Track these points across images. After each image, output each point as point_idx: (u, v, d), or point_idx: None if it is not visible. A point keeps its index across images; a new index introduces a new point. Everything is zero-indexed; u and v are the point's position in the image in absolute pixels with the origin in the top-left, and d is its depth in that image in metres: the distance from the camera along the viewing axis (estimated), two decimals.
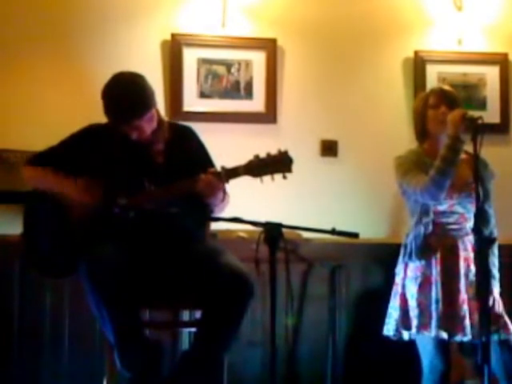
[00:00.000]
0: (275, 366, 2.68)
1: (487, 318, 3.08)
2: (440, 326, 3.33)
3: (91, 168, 3.16)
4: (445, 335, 3.34)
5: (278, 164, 2.92)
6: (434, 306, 3.36)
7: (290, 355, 4.05)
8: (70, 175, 3.17)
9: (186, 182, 3.05)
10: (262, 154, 2.95)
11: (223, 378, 3.18)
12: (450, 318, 3.33)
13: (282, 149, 2.96)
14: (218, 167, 3.07)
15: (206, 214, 3.16)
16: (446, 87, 3.66)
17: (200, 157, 3.27)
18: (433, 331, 3.34)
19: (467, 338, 3.34)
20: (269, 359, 2.70)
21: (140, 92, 3.08)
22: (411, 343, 3.50)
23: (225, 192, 3.15)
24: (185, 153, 3.23)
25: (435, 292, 3.37)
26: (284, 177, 2.91)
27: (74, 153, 3.22)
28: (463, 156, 3.41)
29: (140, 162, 3.18)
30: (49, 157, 3.26)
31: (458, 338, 3.35)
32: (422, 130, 3.55)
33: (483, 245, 3.19)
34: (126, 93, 3.05)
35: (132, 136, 3.11)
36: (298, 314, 4.09)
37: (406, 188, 3.49)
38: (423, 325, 3.37)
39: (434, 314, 3.35)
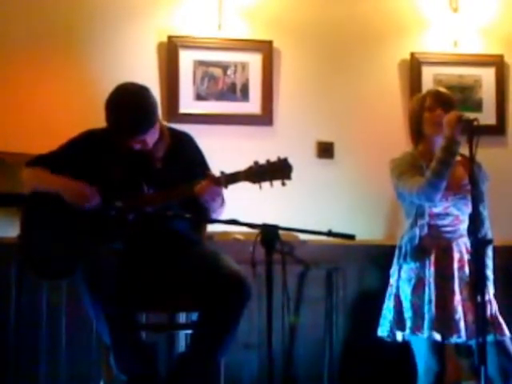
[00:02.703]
0: (272, 367, 2.68)
1: (483, 320, 3.09)
2: (433, 328, 3.34)
3: (90, 172, 3.16)
4: (438, 337, 3.35)
5: (277, 171, 2.93)
6: (426, 308, 3.37)
7: (286, 357, 4.05)
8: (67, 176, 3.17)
9: (184, 187, 3.05)
10: (262, 160, 2.95)
11: (220, 381, 3.18)
12: (443, 320, 3.34)
13: (279, 152, 2.97)
14: (215, 170, 3.07)
15: (202, 217, 3.16)
16: (443, 89, 3.67)
17: (197, 164, 3.26)
18: (425, 332, 3.35)
19: (461, 339, 3.35)
20: (266, 361, 2.70)
21: (145, 109, 3.05)
22: (406, 345, 3.50)
23: (222, 198, 3.15)
24: (183, 159, 3.23)
25: (428, 293, 3.38)
26: (283, 184, 2.93)
27: (73, 158, 3.21)
28: (458, 158, 3.42)
29: (139, 166, 3.17)
30: (48, 160, 3.26)
31: (453, 339, 3.36)
32: (418, 132, 3.56)
33: (479, 246, 3.20)
34: (131, 110, 3.02)
35: (135, 147, 3.12)
36: (295, 314, 4.09)
37: (402, 190, 3.50)
38: (417, 326, 3.37)
39: (427, 316, 3.36)
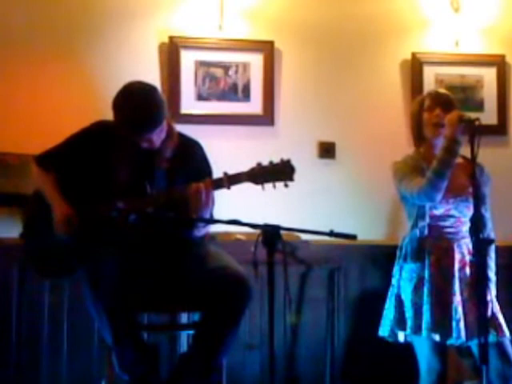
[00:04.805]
0: (274, 368, 2.68)
1: (485, 320, 3.09)
2: (431, 328, 3.33)
3: (96, 169, 3.16)
4: (437, 337, 3.35)
5: (280, 172, 2.94)
6: (425, 308, 3.37)
7: (288, 357, 4.05)
8: (68, 191, 3.18)
9: (185, 187, 3.05)
10: (263, 161, 2.96)
11: (222, 381, 3.18)
12: (442, 320, 3.34)
13: (281, 152, 2.99)
14: (217, 170, 3.08)
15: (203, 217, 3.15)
16: (442, 90, 3.68)
17: (203, 171, 3.23)
18: (424, 333, 3.34)
19: (461, 340, 3.34)
20: (267, 361, 2.70)
21: (152, 107, 3.03)
22: (408, 344, 3.50)
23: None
24: (189, 164, 3.23)
25: (427, 294, 3.38)
26: (286, 185, 2.93)
27: (82, 152, 3.21)
28: (459, 161, 3.41)
29: (145, 166, 3.17)
30: (56, 157, 3.26)
31: (452, 340, 3.36)
32: (419, 134, 3.56)
33: (481, 246, 3.20)
34: (137, 108, 3.00)
35: (142, 145, 3.12)
36: (297, 314, 4.10)
37: (404, 192, 3.50)
38: (418, 326, 3.37)
39: (425, 316, 3.35)
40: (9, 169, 3.83)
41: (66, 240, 3.11)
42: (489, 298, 3.38)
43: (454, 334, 3.33)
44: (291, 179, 2.95)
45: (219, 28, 4.24)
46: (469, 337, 3.33)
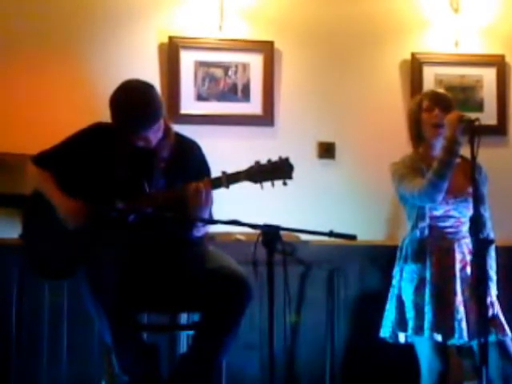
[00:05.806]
0: (274, 368, 2.68)
1: (485, 320, 3.09)
2: (433, 329, 3.33)
3: (93, 170, 3.16)
4: (439, 338, 3.35)
5: (278, 171, 2.94)
6: (427, 308, 3.37)
7: (288, 357, 4.05)
8: (65, 192, 3.17)
9: (179, 188, 3.05)
10: (263, 160, 2.96)
11: (221, 381, 3.19)
12: (444, 321, 3.34)
13: (280, 152, 2.98)
14: (217, 170, 3.07)
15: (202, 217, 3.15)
16: (439, 90, 3.69)
17: (202, 172, 3.23)
18: (426, 333, 3.34)
19: (463, 340, 3.35)
20: (267, 361, 2.70)
21: (148, 104, 3.03)
22: (408, 345, 3.50)
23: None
24: (187, 164, 3.23)
25: (429, 294, 3.38)
26: (284, 183, 2.93)
27: (79, 152, 3.21)
28: (458, 160, 3.41)
29: (142, 165, 3.17)
30: (54, 157, 3.26)
31: (454, 340, 3.36)
32: (417, 135, 3.56)
33: (481, 246, 3.21)
34: (134, 105, 3.00)
35: (138, 144, 3.11)
36: (296, 315, 4.10)
37: (403, 192, 3.50)
38: (419, 327, 3.37)
39: (427, 316, 3.35)
40: (8, 169, 3.83)
41: (75, 232, 3.11)
42: (490, 298, 3.38)
43: (456, 334, 3.34)
44: (290, 177, 2.95)
45: (219, 28, 4.24)
46: (471, 336, 3.33)
